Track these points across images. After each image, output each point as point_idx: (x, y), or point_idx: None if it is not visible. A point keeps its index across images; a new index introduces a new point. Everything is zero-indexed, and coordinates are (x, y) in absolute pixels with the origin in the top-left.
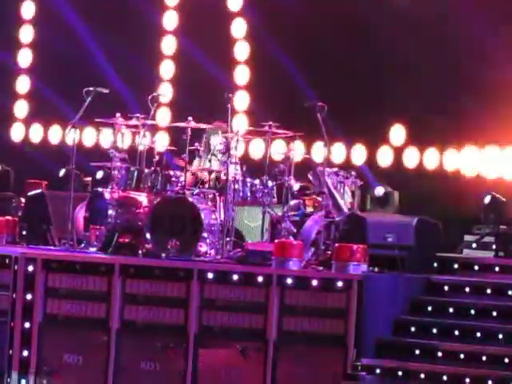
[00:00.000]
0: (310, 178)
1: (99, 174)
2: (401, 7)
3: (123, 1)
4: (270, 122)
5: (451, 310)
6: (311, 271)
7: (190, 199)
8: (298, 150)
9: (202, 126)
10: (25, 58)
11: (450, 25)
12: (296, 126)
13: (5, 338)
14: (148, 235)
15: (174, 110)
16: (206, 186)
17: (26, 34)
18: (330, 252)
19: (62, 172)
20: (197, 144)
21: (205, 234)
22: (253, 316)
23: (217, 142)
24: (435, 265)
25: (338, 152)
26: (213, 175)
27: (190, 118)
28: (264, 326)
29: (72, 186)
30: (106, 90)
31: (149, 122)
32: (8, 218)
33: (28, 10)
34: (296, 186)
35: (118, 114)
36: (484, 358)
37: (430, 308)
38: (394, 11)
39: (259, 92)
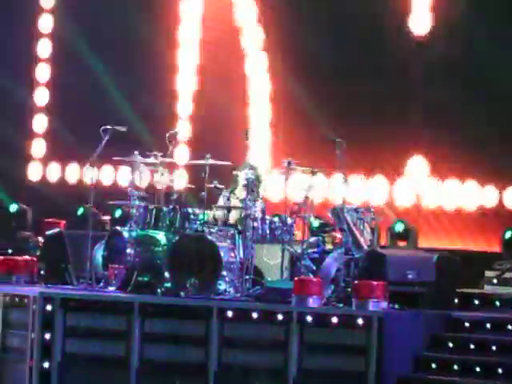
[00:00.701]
0: (330, 215)
1: (117, 213)
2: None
3: (139, 39)
4: (290, 159)
5: (472, 346)
6: (331, 308)
7: (209, 237)
8: (317, 187)
9: (220, 163)
10: (42, 96)
11: (470, 61)
12: (315, 162)
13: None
14: (167, 274)
15: (192, 148)
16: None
17: (43, 72)
18: (349, 289)
19: (80, 211)
20: (215, 182)
21: (224, 272)
22: (273, 354)
23: (246, 177)
24: (456, 301)
25: (358, 188)
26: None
27: (208, 156)
28: (284, 363)
29: (90, 224)
30: (123, 128)
31: (167, 159)
32: (26, 257)
33: (44, 49)
34: (315, 222)
35: (135, 152)
36: None
37: (451, 344)
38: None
39: (278, 128)
